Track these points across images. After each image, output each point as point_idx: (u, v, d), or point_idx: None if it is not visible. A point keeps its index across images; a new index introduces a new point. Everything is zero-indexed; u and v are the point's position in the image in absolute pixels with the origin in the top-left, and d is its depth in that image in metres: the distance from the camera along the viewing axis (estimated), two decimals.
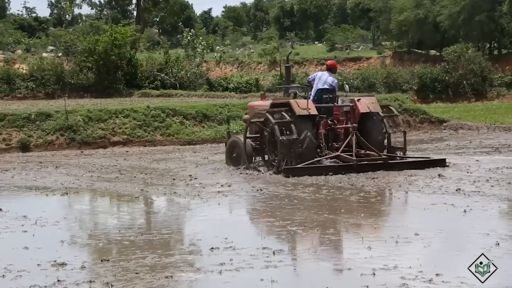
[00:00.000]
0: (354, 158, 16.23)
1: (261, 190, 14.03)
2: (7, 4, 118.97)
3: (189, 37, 53.14)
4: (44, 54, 53.45)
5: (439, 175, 15.00)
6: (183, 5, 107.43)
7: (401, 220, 10.77)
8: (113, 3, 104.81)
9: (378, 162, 16.49)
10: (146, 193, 14.36)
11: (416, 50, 65.00)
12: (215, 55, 56.92)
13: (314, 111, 16.73)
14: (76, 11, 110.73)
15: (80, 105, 29.65)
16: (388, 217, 11.16)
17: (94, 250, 9.67)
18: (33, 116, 25.44)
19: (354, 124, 16.71)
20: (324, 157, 16.70)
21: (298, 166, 16.10)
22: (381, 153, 16.75)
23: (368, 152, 16.75)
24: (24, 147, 24.33)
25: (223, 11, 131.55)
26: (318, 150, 16.88)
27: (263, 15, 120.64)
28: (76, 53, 44.52)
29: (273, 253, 8.77)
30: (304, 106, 16.62)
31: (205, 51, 52.85)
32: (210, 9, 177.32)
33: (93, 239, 10.29)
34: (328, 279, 7.77)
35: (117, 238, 10.23)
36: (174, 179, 16.11)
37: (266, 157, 17.31)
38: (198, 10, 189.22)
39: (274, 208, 12.29)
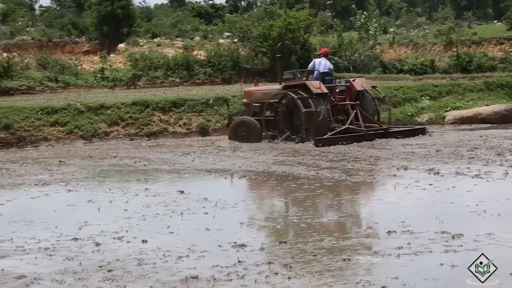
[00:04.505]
0: (363, 129, 19.93)
1: (438, 172, 13.72)
2: None
3: (362, 20, 52.65)
4: (221, 40, 54.66)
5: None
6: None
7: None
8: None
9: (381, 132, 20.30)
10: (321, 176, 14.42)
11: None
12: (388, 36, 56.08)
13: (325, 90, 20.45)
14: None
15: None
16: None
17: (272, 232, 9.87)
18: (211, 101, 26.19)
19: (357, 101, 20.53)
20: (335, 129, 20.12)
21: (326, 136, 19.63)
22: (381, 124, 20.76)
23: (367, 124, 20.35)
24: (203, 131, 25.09)
25: None
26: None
27: None
28: (251, 38, 45.21)
29: (453, 237, 8.60)
30: (317, 85, 20.29)
31: (377, 33, 52.20)
32: None
33: (271, 221, 10.50)
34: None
35: (294, 220, 10.39)
36: (347, 162, 16.06)
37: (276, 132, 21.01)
38: None
39: (451, 193, 12.01)
